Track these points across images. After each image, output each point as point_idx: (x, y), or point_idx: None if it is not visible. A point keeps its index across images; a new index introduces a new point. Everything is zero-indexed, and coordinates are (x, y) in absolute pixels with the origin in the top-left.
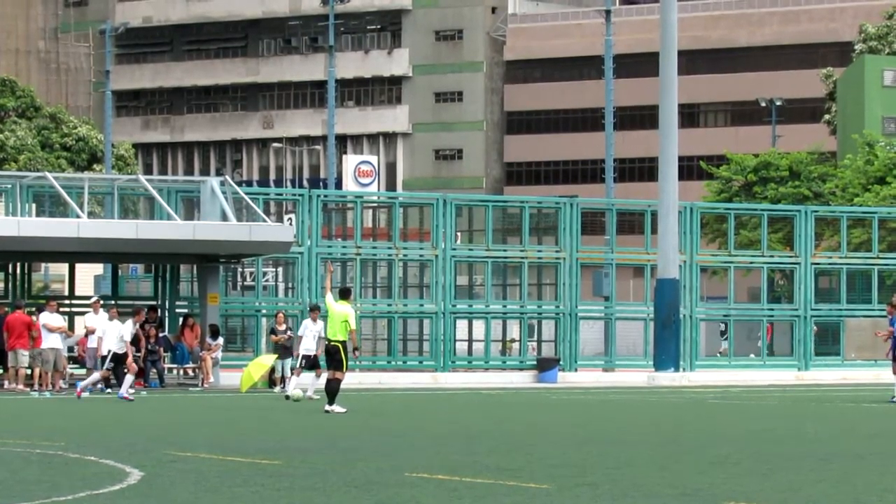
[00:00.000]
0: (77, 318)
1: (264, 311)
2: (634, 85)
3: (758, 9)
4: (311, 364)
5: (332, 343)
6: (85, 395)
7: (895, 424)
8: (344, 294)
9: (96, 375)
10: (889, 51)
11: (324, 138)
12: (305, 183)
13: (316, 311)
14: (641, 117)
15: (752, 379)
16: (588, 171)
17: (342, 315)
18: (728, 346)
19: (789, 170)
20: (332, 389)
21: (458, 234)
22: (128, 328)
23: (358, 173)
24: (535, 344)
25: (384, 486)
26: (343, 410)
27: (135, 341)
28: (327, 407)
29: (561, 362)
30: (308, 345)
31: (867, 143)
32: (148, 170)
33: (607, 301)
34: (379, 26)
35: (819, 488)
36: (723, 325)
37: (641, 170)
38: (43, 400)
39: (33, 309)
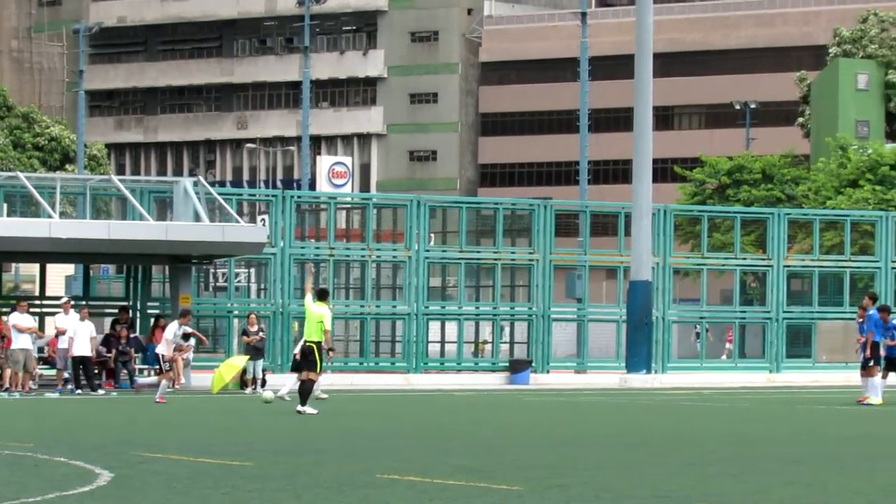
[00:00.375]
0: (48, 319)
1: (236, 313)
2: (609, 87)
3: (733, 12)
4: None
5: (307, 344)
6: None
7: (865, 427)
8: (321, 295)
9: (157, 378)
10: (863, 54)
11: (298, 139)
12: (279, 184)
13: None
14: (616, 119)
15: (724, 381)
16: (562, 173)
17: (318, 316)
18: (700, 348)
19: (762, 172)
20: (305, 390)
21: (432, 235)
22: (172, 329)
23: (332, 174)
24: (507, 345)
25: (355, 487)
26: (315, 412)
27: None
28: (299, 407)
29: (533, 364)
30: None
31: (840, 147)
32: (121, 170)
33: (580, 303)
34: (354, 27)
35: (790, 490)
36: (697, 328)
37: (616, 172)
38: (12, 401)
39: (5, 309)
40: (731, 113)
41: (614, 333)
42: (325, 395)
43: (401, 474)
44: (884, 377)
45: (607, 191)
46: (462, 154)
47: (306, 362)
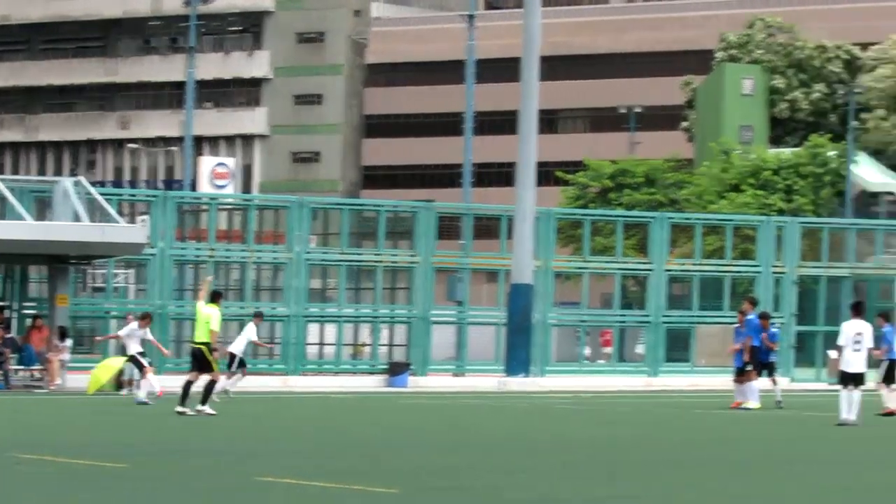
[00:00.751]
0: None
1: (114, 313)
2: (496, 90)
3: (621, 16)
4: (240, 363)
5: (196, 346)
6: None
7: (742, 431)
8: (214, 297)
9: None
10: (749, 59)
11: (181, 139)
12: (160, 184)
13: (259, 316)
14: (502, 122)
15: (603, 384)
16: (446, 176)
17: (206, 317)
18: (579, 351)
19: (645, 177)
20: (206, 390)
21: (314, 237)
22: (130, 328)
23: (214, 175)
24: (386, 348)
25: (232, 490)
26: (213, 412)
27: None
28: (198, 407)
29: (412, 366)
30: (238, 345)
31: (724, 151)
32: (0, 169)
33: (460, 305)
34: (240, 28)
35: (667, 493)
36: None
37: (500, 175)
38: None
39: None
40: (617, 117)
41: (494, 336)
42: (217, 399)
43: (278, 477)
44: (749, 377)
45: (491, 193)
46: (345, 156)
47: (196, 363)
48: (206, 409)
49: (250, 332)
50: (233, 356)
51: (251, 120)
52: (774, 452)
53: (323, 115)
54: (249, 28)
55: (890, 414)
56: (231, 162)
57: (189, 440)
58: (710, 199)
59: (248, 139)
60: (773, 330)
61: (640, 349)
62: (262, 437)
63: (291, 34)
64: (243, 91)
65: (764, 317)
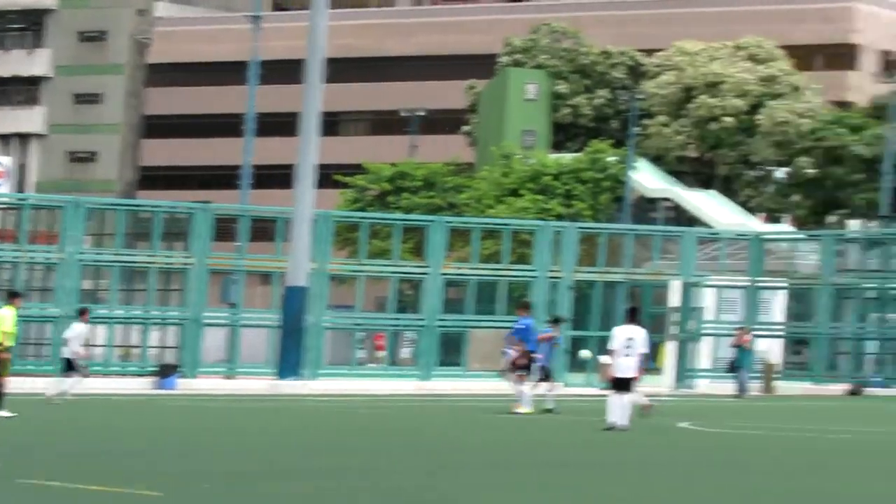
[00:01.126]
0: None
1: None
2: (279, 91)
3: (408, 19)
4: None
5: None
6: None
7: (511, 434)
8: (10, 298)
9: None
10: (533, 64)
11: None
12: None
13: (85, 313)
14: (284, 124)
15: (374, 388)
16: (225, 177)
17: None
18: (353, 354)
19: (425, 180)
20: None
21: (89, 237)
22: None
23: None
24: (157, 350)
25: None
26: (11, 415)
27: None
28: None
29: (181, 369)
30: (73, 349)
31: (504, 156)
32: None
33: (234, 308)
34: (22, 25)
35: (444, 494)
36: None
37: (280, 177)
38: None
39: None
40: (399, 120)
41: (267, 339)
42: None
43: (43, 479)
44: (521, 381)
45: (271, 195)
46: (123, 156)
47: None
48: (2, 413)
49: (80, 331)
50: (69, 361)
51: (28, 119)
52: (541, 456)
53: (102, 114)
54: (31, 26)
55: (649, 408)
56: (6, 161)
57: None
58: (489, 204)
59: (24, 138)
60: (559, 337)
61: (405, 352)
62: (29, 439)
63: (73, 32)
64: (22, 89)
65: (556, 321)
